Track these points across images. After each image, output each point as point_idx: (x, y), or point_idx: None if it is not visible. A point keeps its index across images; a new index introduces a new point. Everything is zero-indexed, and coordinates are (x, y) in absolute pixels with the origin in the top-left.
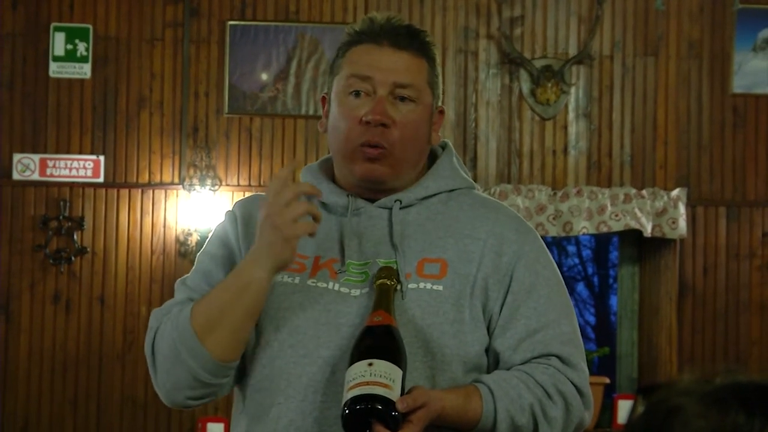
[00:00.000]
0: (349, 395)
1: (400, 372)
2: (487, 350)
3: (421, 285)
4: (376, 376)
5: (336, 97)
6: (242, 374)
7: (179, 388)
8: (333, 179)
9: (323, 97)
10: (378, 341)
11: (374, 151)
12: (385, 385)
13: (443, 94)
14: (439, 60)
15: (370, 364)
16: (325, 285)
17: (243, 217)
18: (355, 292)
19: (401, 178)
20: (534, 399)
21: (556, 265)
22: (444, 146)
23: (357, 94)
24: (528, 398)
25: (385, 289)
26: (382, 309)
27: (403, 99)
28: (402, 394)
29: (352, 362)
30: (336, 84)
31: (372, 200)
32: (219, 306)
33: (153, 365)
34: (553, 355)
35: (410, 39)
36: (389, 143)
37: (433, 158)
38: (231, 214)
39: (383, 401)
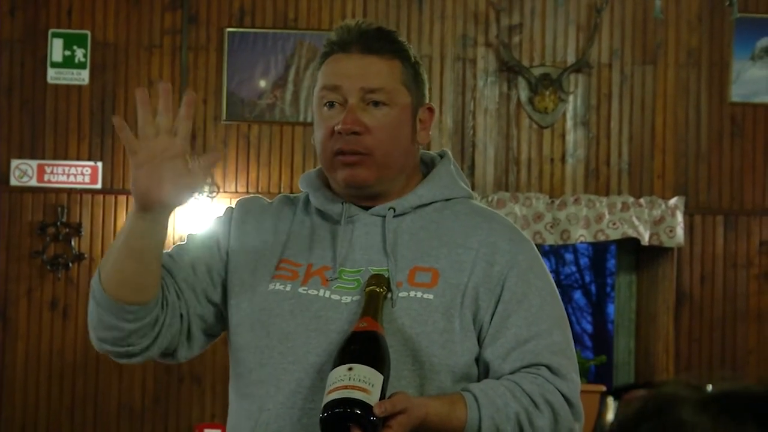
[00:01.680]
0: (327, 399)
1: (380, 377)
2: (477, 360)
3: (412, 293)
4: (354, 381)
5: (315, 109)
6: (234, 380)
7: (92, 326)
8: (330, 186)
9: None
10: (360, 347)
11: (351, 158)
12: (363, 390)
13: (441, 101)
14: (416, 58)
15: (350, 369)
16: (315, 292)
17: (239, 216)
18: (346, 299)
19: (388, 181)
20: (520, 408)
21: (550, 276)
22: (443, 155)
23: (330, 105)
24: (514, 407)
25: (374, 296)
26: (369, 316)
27: (376, 104)
28: (383, 399)
29: (334, 367)
30: (314, 96)
31: (367, 208)
32: (114, 242)
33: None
34: (542, 365)
35: (379, 41)
36: (366, 149)
37: (432, 166)
38: (228, 211)
39: (361, 405)
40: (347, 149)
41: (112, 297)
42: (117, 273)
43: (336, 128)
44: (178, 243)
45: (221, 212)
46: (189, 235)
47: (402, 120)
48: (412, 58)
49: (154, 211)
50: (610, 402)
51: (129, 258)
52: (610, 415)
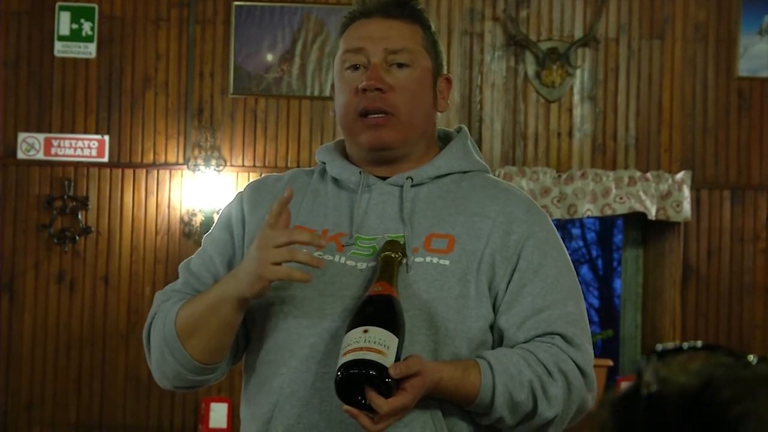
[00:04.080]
0: (342, 360)
1: (395, 340)
2: (492, 327)
3: (428, 259)
4: (370, 343)
5: (337, 75)
6: (249, 345)
7: (167, 378)
8: (347, 158)
9: (332, 85)
10: (376, 309)
11: (376, 118)
12: (379, 351)
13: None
14: (434, 27)
15: (366, 331)
16: (331, 257)
17: (250, 198)
18: (362, 265)
19: (411, 144)
20: (534, 376)
21: (565, 249)
22: (459, 130)
23: (354, 68)
24: (528, 375)
25: (389, 261)
26: (384, 280)
27: (399, 65)
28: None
29: (348, 330)
30: (336, 63)
31: (384, 178)
32: (198, 314)
33: (147, 352)
34: (556, 334)
35: (400, 7)
36: (391, 107)
37: (448, 141)
38: (238, 196)
39: (376, 367)
40: (372, 107)
41: (200, 361)
42: (212, 344)
43: (360, 86)
44: (205, 258)
45: (230, 201)
46: (206, 239)
47: (424, 82)
48: (431, 27)
49: (252, 299)
50: (653, 361)
51: (226, 332)
52: (648, 375)
